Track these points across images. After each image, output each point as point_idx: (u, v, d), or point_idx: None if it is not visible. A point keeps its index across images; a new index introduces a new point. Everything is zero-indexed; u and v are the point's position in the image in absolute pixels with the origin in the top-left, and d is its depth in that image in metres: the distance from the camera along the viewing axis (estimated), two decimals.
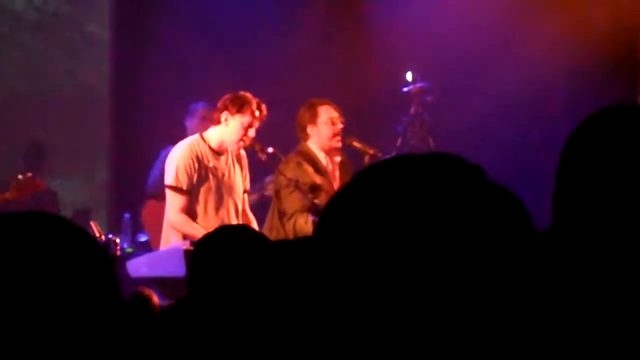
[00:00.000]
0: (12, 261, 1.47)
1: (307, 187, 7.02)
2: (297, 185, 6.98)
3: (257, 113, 6.76)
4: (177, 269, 6.40)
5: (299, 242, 3.25)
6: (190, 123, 8.50)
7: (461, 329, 1.11)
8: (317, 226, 1.25)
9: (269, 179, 7.92)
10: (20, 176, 7.85)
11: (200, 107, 8.50)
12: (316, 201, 6.93)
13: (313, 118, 7.20)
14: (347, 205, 1.20)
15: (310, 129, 7.21)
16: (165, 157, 8.39)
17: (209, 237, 3.59)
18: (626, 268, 1.50)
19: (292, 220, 7.04)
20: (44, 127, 9.23)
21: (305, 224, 6.94)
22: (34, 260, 1.47)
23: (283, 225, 7.10)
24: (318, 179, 7.14)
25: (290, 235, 6.95)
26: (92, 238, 1.54)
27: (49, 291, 1.46)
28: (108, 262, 1.55)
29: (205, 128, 8.30)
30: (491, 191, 1.18)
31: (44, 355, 1.44)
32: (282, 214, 7.12)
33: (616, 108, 1.67)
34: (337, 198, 1.21)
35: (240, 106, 6.77)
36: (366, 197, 1.19)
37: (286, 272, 2.98)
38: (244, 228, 4.16)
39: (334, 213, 1.20)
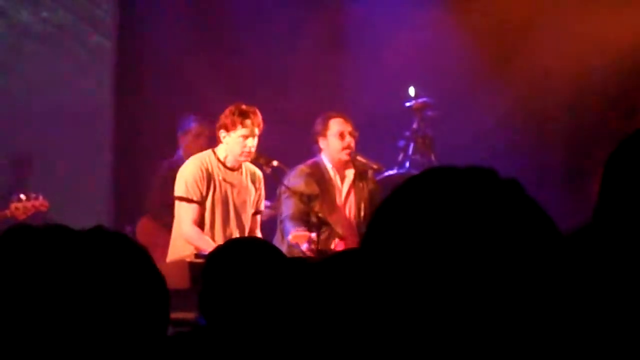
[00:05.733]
0: (74, 276, 1.52)
1: (306, 198, 7.04)
2: (300, 197, 6.99)
3: (249, 122, 6.77)
4: (181, 281, 6.41)
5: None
6: (184, 141, 8.47)
7: (504, 339, 1.15)
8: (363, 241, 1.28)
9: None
10: (22, 195, 7.62)
11: (192, 125, 8.46)
12: (320, 215, 6.95)
13: (324, 130, 7.23)
14: (388, 220, 1.23)
15: (321, 142, 7.25)
16: (163, 173, 8.36)
17: (220, 250, 3.60)
18: None
19: (282, 224, 7.07)
20: (47, 140, 9.21)
21: (289, 230, 6.91)
22: (100, 278, 1.52)
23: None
24: (318, 191, 7.14)
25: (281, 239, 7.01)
26: (152, 262, 1.58)
27: (111, 308, 1.51)
28: (164, 283, 1.59)
29: (200, 145, 8.27)
30: (529, 206, 1.22)
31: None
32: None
33: None
34: (379, 213, 1.24)
35: (232, 122, 6.80)
36: (406, 212, 1.22)
37: (302, 285, 3.00)
38: (255, 240, 4.18)
39: (377, 226, 1.23)
